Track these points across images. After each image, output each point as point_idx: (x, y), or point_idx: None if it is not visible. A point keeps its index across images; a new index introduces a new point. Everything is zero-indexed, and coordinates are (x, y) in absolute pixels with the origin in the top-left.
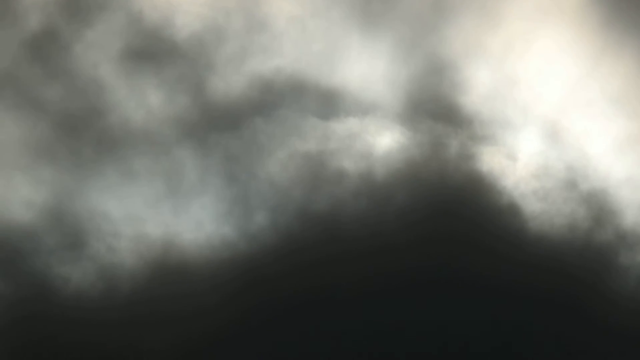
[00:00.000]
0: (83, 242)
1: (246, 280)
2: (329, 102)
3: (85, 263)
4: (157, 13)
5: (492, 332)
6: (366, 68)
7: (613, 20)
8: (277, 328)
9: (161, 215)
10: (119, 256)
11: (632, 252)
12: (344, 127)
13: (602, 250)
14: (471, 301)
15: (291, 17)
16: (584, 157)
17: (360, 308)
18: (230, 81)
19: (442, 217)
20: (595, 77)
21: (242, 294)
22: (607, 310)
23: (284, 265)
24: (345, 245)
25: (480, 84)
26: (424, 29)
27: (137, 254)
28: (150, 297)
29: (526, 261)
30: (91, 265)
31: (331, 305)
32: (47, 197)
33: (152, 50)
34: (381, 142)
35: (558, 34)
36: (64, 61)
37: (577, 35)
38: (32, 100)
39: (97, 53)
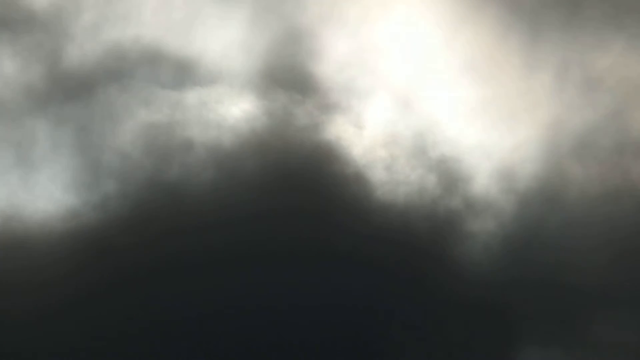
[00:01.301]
0: None
1: (95, 250)
2: (183, 72)
3: None
4: None
5: (341, 299)
6: (223, 37)
7: None
8: (125, 298)
9: (8, 186)
10: None
11: (480, 219)
12: (195, 96)
13: (449, 218)
14: (317, 269)
15: None
16: (434, 125)
17: (209, 278)
18: (86, 50)
19: (289, 187)
20: (450, 46)
21: (90, 265)
22: (452, 277)
23: (133, 236)
24: (194, 216)
25: (334, 52)
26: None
27: None
28: None
29: (373, 230)
30: None
31: (179, 275)
32: None
33: (7, 18)
34: (231, 111)
35: (416, 1)
36: None
37: (435, 3)
38: None
39: None
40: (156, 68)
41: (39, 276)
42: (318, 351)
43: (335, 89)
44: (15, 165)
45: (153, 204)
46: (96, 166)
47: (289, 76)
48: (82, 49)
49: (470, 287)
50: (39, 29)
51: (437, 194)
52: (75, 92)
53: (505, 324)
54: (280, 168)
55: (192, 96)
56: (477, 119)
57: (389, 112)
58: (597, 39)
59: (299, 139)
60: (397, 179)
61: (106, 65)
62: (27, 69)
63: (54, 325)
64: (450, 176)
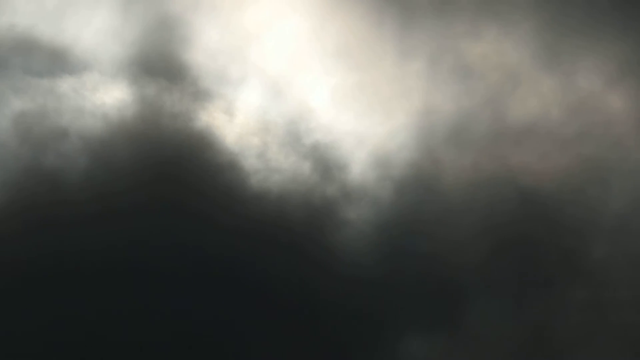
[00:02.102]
0: None
1: None
2: (56, 60)
3: None
4: None
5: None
6: (95, 25)
7: None
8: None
9: None
10: None
11: (355, 206)
12: (68, 84)
13: (325, 206)
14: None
15: None
16: (308, 112)
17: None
18: None
19: (161, 176)
20: (323, 33)
21: None
22: (327, 268)
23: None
24: (70, 206)
25: (206, 40)
26: None
27: None
28: None
29: (247, 219)
30: None
31: (55, 266)
32: None
33: None
34: (104, 99)
35: None
36: None
37: None
38: None
39: None
40: (29, 56)
41: None
42: None
43: (207, 77)
44: None
45: (29, 192)
46: None
47: (160, 64)
48: None
49: (346, 277)
50: None
51: (311, 181)
52: None
53: (380, 314)
54: (153, 156)
55: (64, 84)
56: (351, 105)
57: (261, 99)
58: (470, 27)
59: (171, 126)
60: (271, 166)
61: None
62: None
63: None
64: (324, 163)
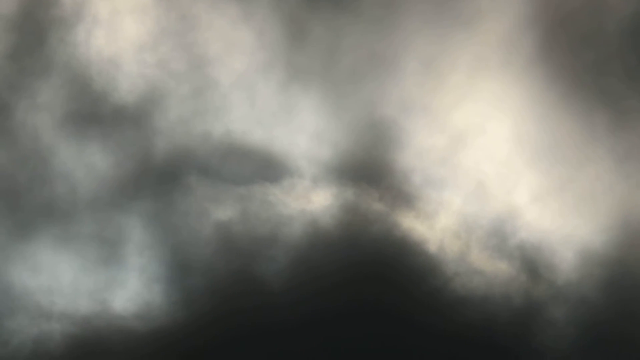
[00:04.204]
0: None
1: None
2: (263, 166)
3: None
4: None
5: None
6: (303, 128)
7: (560, 75)
8: None
9: (93, 283)
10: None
11: (562, 306)
12: (276, 190)
13: (530, 306)
14: None
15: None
16: (510, 212)
17: None
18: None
19: (364, 281)
20: (529, 133)
21: None
22: None
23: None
24: (278, 311)
25: (415, 142)
26: (360, 84)
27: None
28: None
29: (451, 321)
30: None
31: None
32: None
33: (97, 113)
34: (307, 204)
35: (502, 89)
36: (7, 124)
37: (524, 90)
38: None
39: (41, 117)
40: (241, 162)
41: None
42: None
43: (412, 180)
44: (100, 261)
45: (237, 300)
46: (181, 262)
47: (367, 168)
48: (171, 142)
49: None
50: (129, 124)
51: (516, 282)
52: (163, 187)
53: None
54: (356, 260)
55: (273, 190)
56: (555, 204)
57: (463, 201)
58: None
59: (374, 230)
60: (474, 268)
61: (195, 159)
62: (117, 164)
63: None
64: (530, 264)
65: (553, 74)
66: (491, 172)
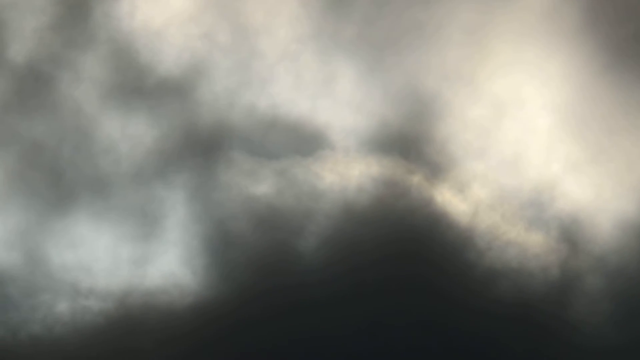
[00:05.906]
0: (42, 290)
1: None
2: (310, 138)
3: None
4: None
5: None
6: (339, 98)
7: (604, 46)
8: None
9: (132, 260)
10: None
11: (598, 277)
12: (319, 163)
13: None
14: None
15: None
16: (545, 182)
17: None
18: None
19: (400, 256)
20: (568, 103)
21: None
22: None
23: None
24: (313, 289)
25: (454, 113)
26: (402, 54)
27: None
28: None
29: (484, 295)
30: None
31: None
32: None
33: (142, 86)
34: (344, 177)
35: (545, 59)
36: (51, 97)
37: (568, 60)
38: (18, 136)
39: (85, 90)
40: (282, 135)
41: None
42: None
43: (448, 151)
44: (140, 236)
45: (275, 275)
46: (221, 238)
47: (403, 139)
48: (215, 115)
49: (586, 348)
50: (173, 96)
51: (552, 254)
52: (206, 161)
53: None
54: (391, 234)
55: (312, 163)
56: (591, 175)
57: (497, 172)
58: None
59: (410, 203)
60: (507, 239)
61: (238, 132)
62: (160, 137)
63: None
64: (567, 234)
65: (597, 45)
66: (529, 143)
